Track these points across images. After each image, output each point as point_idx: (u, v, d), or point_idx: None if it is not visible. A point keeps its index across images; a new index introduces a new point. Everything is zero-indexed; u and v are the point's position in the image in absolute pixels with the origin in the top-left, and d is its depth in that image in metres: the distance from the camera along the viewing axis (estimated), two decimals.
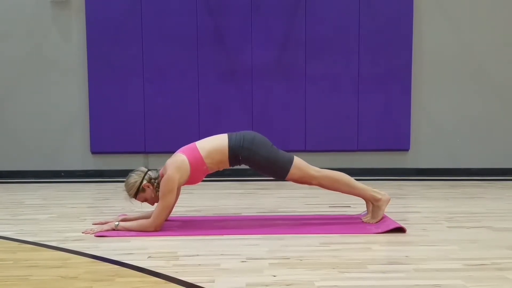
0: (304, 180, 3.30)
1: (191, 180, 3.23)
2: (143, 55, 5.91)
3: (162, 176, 3.18)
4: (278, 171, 3.25)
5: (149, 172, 3.25)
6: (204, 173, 3.25)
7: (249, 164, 3.27)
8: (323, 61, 5.92)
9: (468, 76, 5.99)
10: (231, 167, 3.32)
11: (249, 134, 3.27)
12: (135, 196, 3.23)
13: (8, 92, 6.01)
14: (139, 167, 3.32)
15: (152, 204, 3.30)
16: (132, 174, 3.25)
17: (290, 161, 3.24)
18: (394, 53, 5.92)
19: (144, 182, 3.20)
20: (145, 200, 3.27)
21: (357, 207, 3.81)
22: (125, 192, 3.25)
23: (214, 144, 3.22)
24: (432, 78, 5.99)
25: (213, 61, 5.93)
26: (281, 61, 5.94)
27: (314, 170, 3.28)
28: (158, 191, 3.19)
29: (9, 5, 5.94)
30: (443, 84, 6.00)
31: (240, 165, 3.29)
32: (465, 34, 5.96)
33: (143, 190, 3.21)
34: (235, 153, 3.20)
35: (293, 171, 3.23)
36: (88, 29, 5.89)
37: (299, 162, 3.27)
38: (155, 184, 3.22)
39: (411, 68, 5.94)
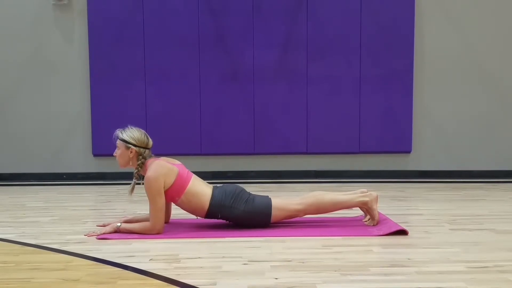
0: (291, 217, 3.32)
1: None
2: (144, 57, 5.92)
3: (146, 166, 3.16)
4: (261, 220, 3.25)
5: (147, 150, 3.21)
6: (171, 200, 3.24)
7: (229, 220, 3.29)
8: (325, 62, 5.92)
9: (470, 78, 5.98)
10: (205, 218, 3.31)
11: (230, 190, 3.24)
12: (118, 141, 3.20)
13: (10, 94, 6.02)
14: (150, 139, 3.25)
15: (119, 160, 3.22)
16: (142, 134, 3.21)
17: (269, 205, 3.23)
18: (396, 54, 5.91)
19: (135, 148, 3.17)
20: (116, 150, 3.22)
21: (359, 209, 3.80)
22: (121, 130, 3.23)
23: (199, 192, 3.19)
24: (434, 79, 5.99)
25: (214, 63, 5.93)
26: (282, 62, 5.94)
27: (295, 204, 3.27)
28: (138, 166, 3.17)
29: (11, 8, 5.94)
30: (445, 85, 5.99)
31: (218, 219, 3.30)
32: (467, 35, 5.95)
33: (127, 148, 3.18)
34: (215, 211, 3.21)
35: (275, 213, 3.24)
36: (90, 31, 5.90)
37: (277, 202, 3.26)
38: (139, 161, 3.18)
39: (412, 70, 5.94)
